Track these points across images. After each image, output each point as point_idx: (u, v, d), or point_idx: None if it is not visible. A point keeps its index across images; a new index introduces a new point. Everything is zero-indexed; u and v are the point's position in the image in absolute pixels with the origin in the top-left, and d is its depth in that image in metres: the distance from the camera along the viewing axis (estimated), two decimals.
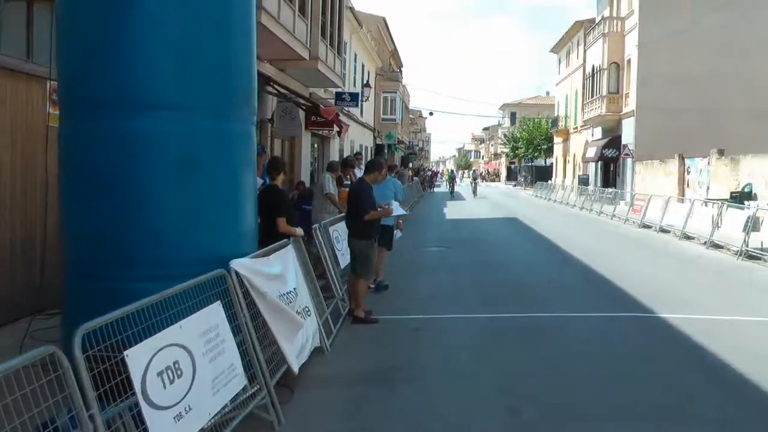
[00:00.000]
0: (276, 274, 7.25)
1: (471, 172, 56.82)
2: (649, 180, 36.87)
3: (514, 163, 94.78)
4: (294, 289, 7.70)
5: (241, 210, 7.30)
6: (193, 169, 6.64)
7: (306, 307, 8.08)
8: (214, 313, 5.72)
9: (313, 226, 10.75)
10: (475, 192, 57.09)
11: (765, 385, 7.49)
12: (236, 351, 5.90)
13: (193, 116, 6.67)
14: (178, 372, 4.86)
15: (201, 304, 5.57)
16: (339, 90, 28.55)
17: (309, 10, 19.56)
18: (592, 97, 47.75)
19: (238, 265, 6.43)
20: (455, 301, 12.02)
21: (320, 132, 27.40)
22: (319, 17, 20.87)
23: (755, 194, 24.53)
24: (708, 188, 28.89)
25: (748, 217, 18.33)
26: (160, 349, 4.72)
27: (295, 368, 7.08)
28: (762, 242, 17.93)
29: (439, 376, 7.89)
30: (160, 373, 4.64)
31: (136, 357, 4.46)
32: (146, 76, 6.52)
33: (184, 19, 6.62)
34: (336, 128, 24.75)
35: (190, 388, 4.95)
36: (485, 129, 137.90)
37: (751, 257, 17.52)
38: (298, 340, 7.38)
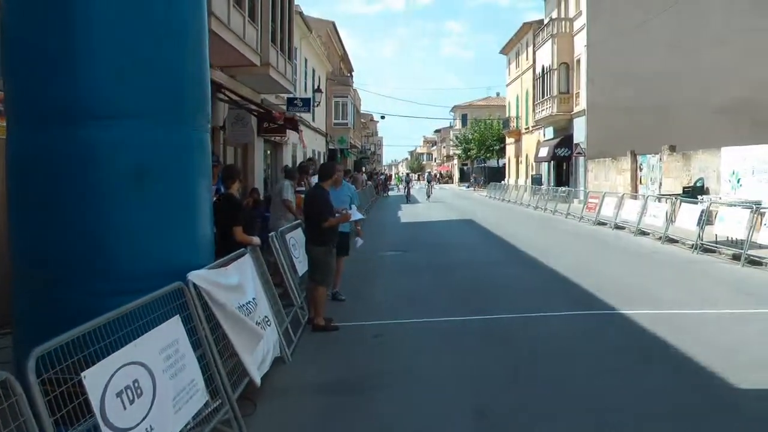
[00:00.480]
0: (234, 285, 7.09)
1: (426, 174, 55.57)
2: (602, 178, 37.25)
3: (466, 164, 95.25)
4: (253, 299, 7.54)
5: (197, 220, 7.12)
6: (146, 179, 6.45)
7: (266, 316, 7.93)
8: (173, 327, 5.54)
9: (270, 234, 10.57)
10: (429, 195, 56.22)
11: (727, 375, 7.56)
12: (197, 366, 5.73)
13: (146, 124, 6.47)
14: (138, 391, 4.68)
15: (159, 319, 5.40)
16: (290, 95, 28.35)
17: (259, 15, 19.39)
18: (543, 97, 48.09)
19: (196, 277, 6.25)
20: (416, 305, 11.91)
21: (273, 138, 27.22)
22: (269, 23, 20.70)
23: (707, 188, 24.89)
24: (660, 184, 29.23)
25: (702, 211, 18.59)
26: (119, 369, 4.53)
27: (257, 380, 6.92)
28: (716, 235, 18.20)
29: (403, 382, 7.78)
30: (119, 394, 4.45)
31: (93, 378, 4.27)
32: (96, 84, 6.30)
33: (134, 25, 6.42)
34: (289, 133, 24.58)
35: (151, 407, 4.77)
36: (437, 131, 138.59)
37: (706, 250, 17.81)
38: (258, 351, 7.22)
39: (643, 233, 22.41)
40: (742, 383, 7.37)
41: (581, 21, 41.97)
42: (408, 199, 53.83)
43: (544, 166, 50.50)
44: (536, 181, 49.78)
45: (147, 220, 6.50)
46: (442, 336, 9.85)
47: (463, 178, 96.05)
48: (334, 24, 50.34)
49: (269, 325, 7.95)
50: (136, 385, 4.67)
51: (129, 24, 6.40)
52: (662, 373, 7.87)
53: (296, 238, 11.68)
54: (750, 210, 17.02)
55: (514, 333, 9.89)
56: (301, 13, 33.33)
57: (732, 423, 6.42)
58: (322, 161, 37.04)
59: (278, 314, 8.89)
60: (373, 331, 10.09)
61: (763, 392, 7.17)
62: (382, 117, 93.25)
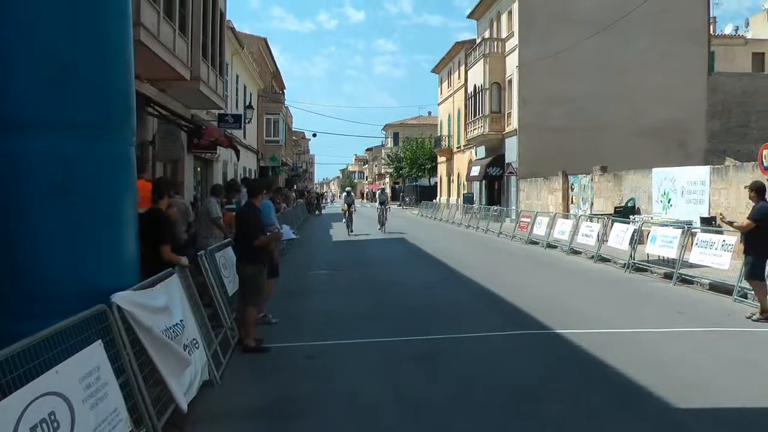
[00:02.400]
0: (161, 307, 6.74)
1: (378, 193, 36.39)
2: (534, 197, 37.55)
3: (398, 183, 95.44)
4: (181, 321, 7.20)
5: (122, 238, 6.76)
6: (67, 194, 6.08)
7: (194, 339, 7.59)
8: (95, 353, 5.18)
9: (199, 253, 10.17)
10: (382, 223, 37.02)
11: (665, 394, 7.55)
12: (119, 394, 5.38)
13: (67, 136, 6.09)
14: (55, 424, 4.31)
15: (80, 345, 5.04)
16: (222, 112, 27.94)
17: (189, 28, 18.99)
18: (474, 116, 48.38)
19: (121, 299, 5.89)
20: (349, 325, 11.63)
21: (203, 155, 26.74)
22: (199, 36, 20.30)
23: (639, 208, 25.23)
24: (592, 204, 29.55)
25: (634, 231, 18.79)
26: (34, 400, 4.17)
27: (184, 407, 6.57)
28: (648, 255, 18.40)
29: (336, 406, 7.51)
30: (33, 428, 4.09)
31: (5, 411, 3.90)
32: (14, 92, 5.93)
33: (56, 31, 6.06)
34: (221, 149, 24.16)
35: None
36: (368, 150, 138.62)
37: (638, 269, 17.98)
38: (186, 375, 6.89)
39: (575, 252, 22.55)
40: (680, 402, 7.34)
41: (513, 42, 42.39)
42: (381, 223, 37.03)
43: (476, 185, 50.75)
44: (468, 199, 50.00)
45: (68, 237, 6.14)
46: (378, 357, 9.59)
47: (395, 196, 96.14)
48: (266, 40, 49.97)
49: (198, 348, 7.61)
50: (52, 417, 4.31)
51: (50, 29, 6.04)
52: (602, 394, 7.77)
53: (226, 257, 11.34)
54: (681, 230, 17.24)
55: (451, 354, 9.70)
56: (232, 29, 32.96)
57: None
58: (253, 179, 36.47)
59: (207, 336, 8.52)
60: (307, 353, 9.80)
61: (702, 411, 7.15)
62: (314, 135, 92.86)
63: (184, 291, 7.86)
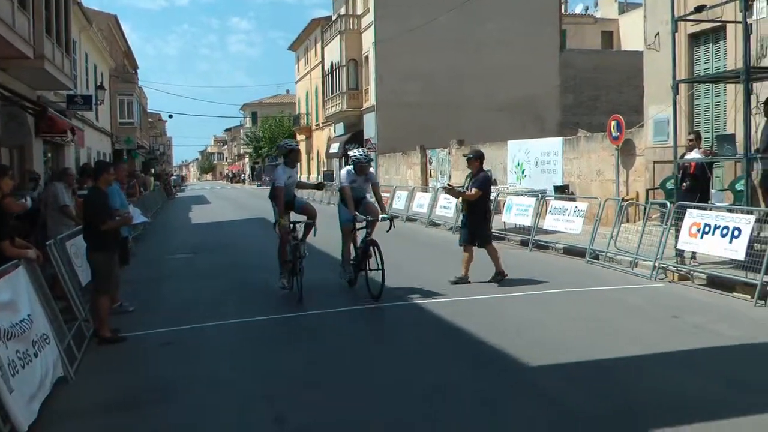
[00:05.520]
0: (5, 302, 6.35)
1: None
2: (393, 172, 37.97)
3: (258, 163, 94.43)
4: (28, 316, 6.80)
5: None
6: None
7: (44, 334, 7.19)
8: None
9: (47, 243, 9.58)
10: None
11: (517, 355, 7.91)
12: None
13: None
14: None
15: None
16: (71, 92, 26.69)
17: (31, 2, 17.87)
18: (332, 93, 48.38)
19: None
20: (208, 309, 11.31)
21: (54, 139, 25.43)
22: (42, 11, 19.13)
23: (495, 180, 25.81)
24: (450, 176, 30.12)
25: (491, 201, 19.21)
26: None
27: (23, 428, 5.90)
28: (504, 223, 18.96)
29: (197, 391, 7.30)
30: None
31: None
32: None
33: None
34: (71, 135, 23.16)
35: None
36: (227, 130, 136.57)
37: (495, 238, 18.32)
38: (36, 374, 6.51)
39: (435, 224, 22.91)
40: (532, 362, 7.68)
41: (369, 18, 42.52)
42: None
43: (336, 162, 50.82)
44: (328, 177, 50.00)
45: None
46: (237, 339, 9.45)
47: (255, 176, 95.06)
48: (116, 17, 48.02)
49: (48, 343, 7.22)
50: None
51: None
52: (462, 358, 8.08)
53: (78, 246, 10.76)
54: (536, 198, 17.79)
55: (312, 332, 9.65)
56: (79, 4, 31.45)
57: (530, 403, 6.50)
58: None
59: (59, 330, 8.09)
60: (164, 339, 9.50)
61: (552, 368, 7.52)
62: (170, 116, 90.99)
63: (31, 284, 7.44)
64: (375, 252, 11.45)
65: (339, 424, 6.28)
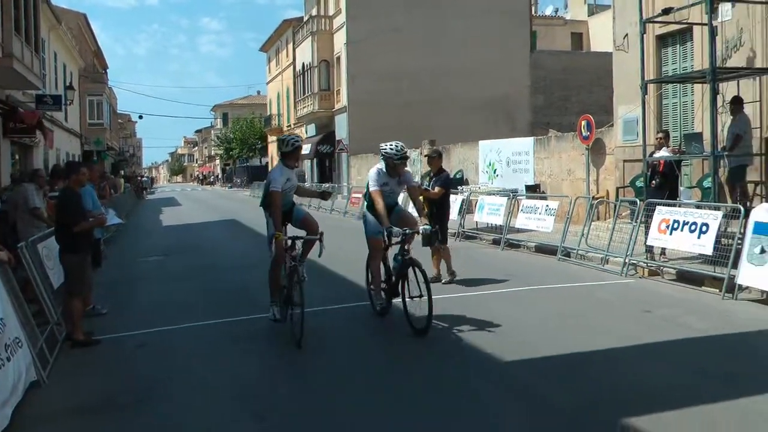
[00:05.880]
0: None
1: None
2: (365, 173, 37.85)
3: (228, 164, 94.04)
4: (0, 319, 6.72)
5: None
6: None
7: (16, 337, 7.08)
8: None
9: (19, 245, 9.38)
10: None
11: (495, 351, 7.96)
12: None
13: None
14: None
15: None
16: (40, 92, 26.50)
17: None
18: (304, 94, 48.35)
19: None
20: (181, 311, 11.24)
21: (21, 140, 25.22)
22: (11, 9, 19.02)
23: (467, 179, 26.08)
24: (422, 177, 30.20)
25: (463, 201, 19.41)
26: None
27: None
28: (476, 222, 19.16)
29: (173, 393, 7.27)
30: None
31: None
32: None
33: None
34: (39, 136, 22.98)
35: None
36: (198, 131, 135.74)
37: (468, 237, 18.68)
38: (8, 378, 6.48)
39: None
40: (509, 356, 7.81)
41: (341, 19, 42.57)
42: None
43: (308, 163, 50.81)
44: (300, 178, 49.95)
45: None
46: (212, 340, 9.40)
47: (226, 178, 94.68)
48: (85, 16, 47.64)
49: (21, 347, 7.11)
50: None
51: None
52: (439, 353, 8.17)
53: (50, 248, 10.62)
54: (507, 197, 17.98)
55: (286, 332, 9.56)
56: (48, 2, 31.19)
57: (507, 395, 6.61)
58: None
59: (32, 333, 7.98)
60: (138, 341, 9.43)
61: (529, 362, 7.67)
62: (140, 117, 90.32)
63: (3, 287, 7.33)
64: (416, 274, 8.97)
65: (317, 419, 6.33)
